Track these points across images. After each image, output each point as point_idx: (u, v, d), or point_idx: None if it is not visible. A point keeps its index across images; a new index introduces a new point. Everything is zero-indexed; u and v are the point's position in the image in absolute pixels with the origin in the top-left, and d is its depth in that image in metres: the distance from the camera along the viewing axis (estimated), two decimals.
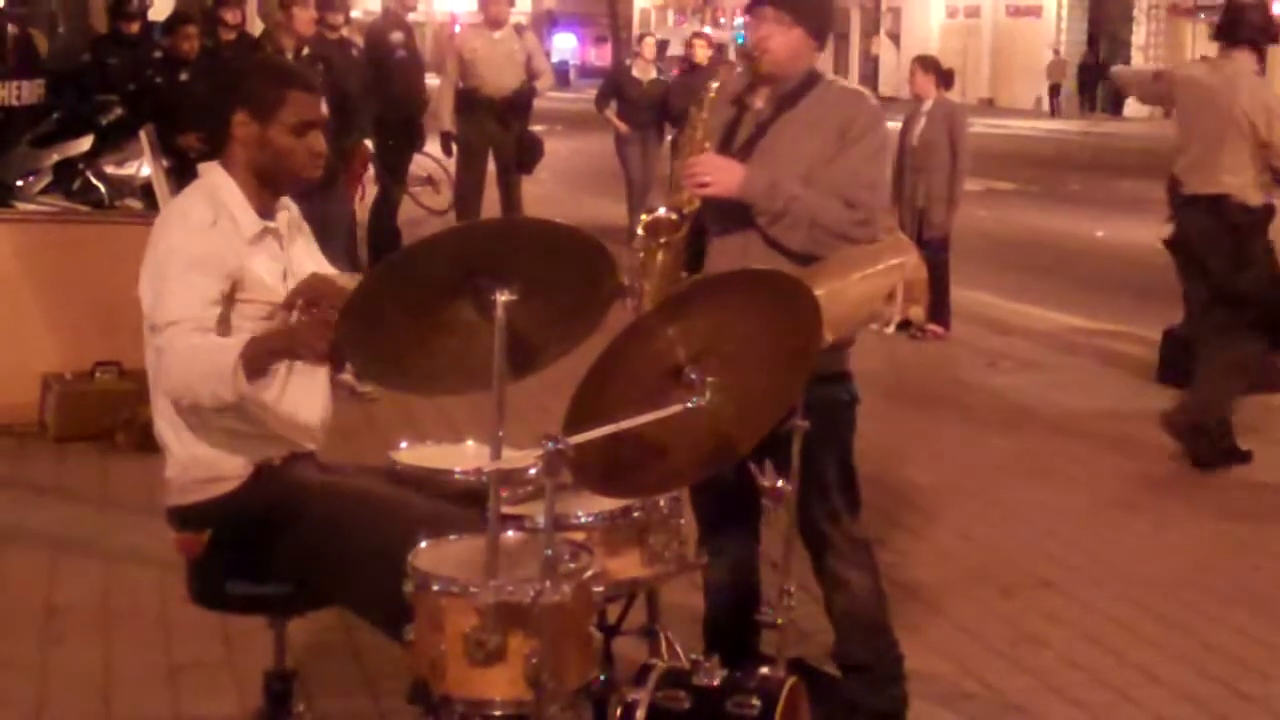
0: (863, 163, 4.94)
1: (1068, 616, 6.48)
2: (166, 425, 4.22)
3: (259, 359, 3.91)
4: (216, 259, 4.08)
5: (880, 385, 9.78)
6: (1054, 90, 53.28)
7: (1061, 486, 8.43)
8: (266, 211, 4.29)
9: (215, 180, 4.26)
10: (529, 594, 3.45)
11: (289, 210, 4.40)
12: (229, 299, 4.09)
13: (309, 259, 4.42)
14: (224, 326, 4.08)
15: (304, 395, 4.28)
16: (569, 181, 21.55)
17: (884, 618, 5.26)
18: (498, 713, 3.56)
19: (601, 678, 3.78)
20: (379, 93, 12.33)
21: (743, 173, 4.82)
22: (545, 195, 15.38)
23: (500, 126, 13.74)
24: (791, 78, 4.98)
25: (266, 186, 4.28)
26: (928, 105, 12.25)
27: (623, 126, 16.44)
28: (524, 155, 14.04)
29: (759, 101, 5.01)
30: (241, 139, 4.23)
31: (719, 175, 4.79)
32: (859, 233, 4.86)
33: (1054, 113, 51.15)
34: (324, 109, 4.32)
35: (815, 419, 4.38)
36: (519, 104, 13.89)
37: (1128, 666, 5.97)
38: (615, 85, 17.06)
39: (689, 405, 3.65)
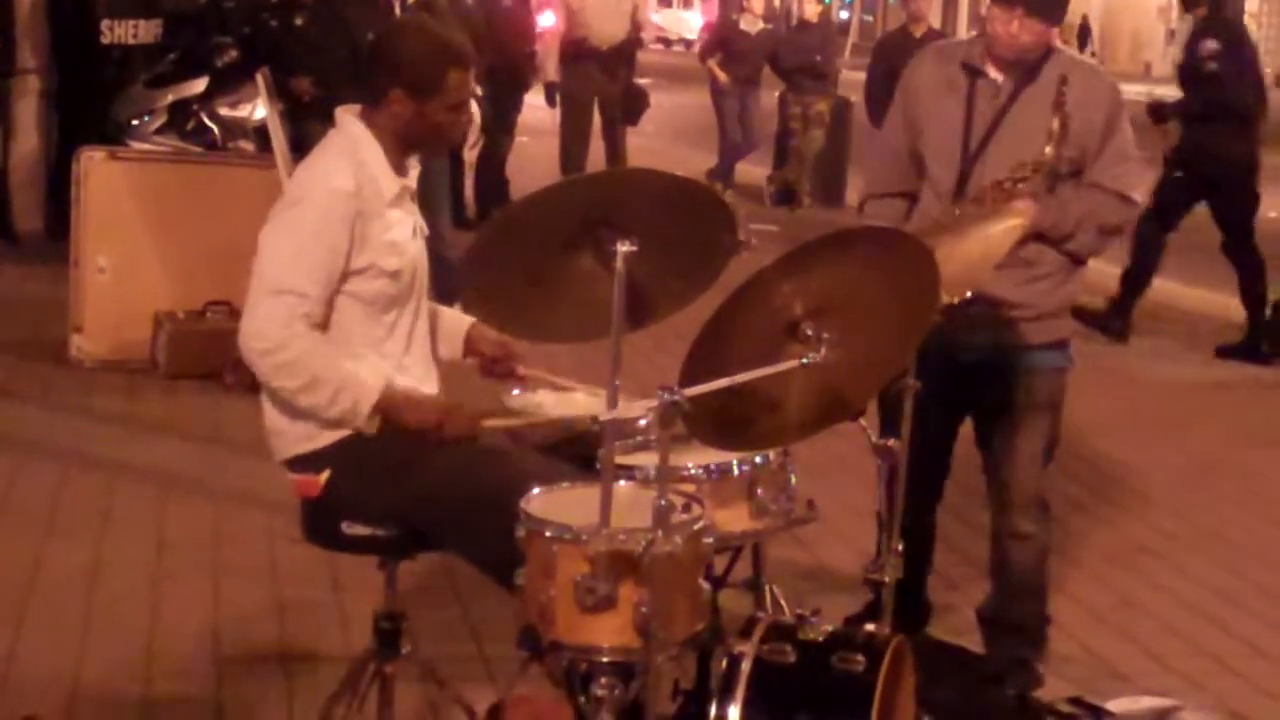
0: (1127, 150, 5.09)
1: (1169, 584, 6.45)
2: None
3: (391, 416, 4.08)
4: (348, 231, 4.09)
5: None
6: None
7: (1164, 454, 8.38)
8: (402, 167, 4.28)
9: (356, 135, 4.20)
10: (640, 543, 3.47)
11: (417, 165, 4.42)
12: (346, 273, 4.13)
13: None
14: (329, 307, 4.13)
15: (422, 370, 4.33)
16: (670, 135, 21.48)
17: (1045, 584, 5.42)
18: (605, 660, 3.59)
19: (707, 629, 3.80)
20: (489, 42, 12.35)
21: (1036, 213, 4.87)
22: (647, 148, 15.37)
23: (607, 77, 13.70)
24: (1031, 58, 5.04)
25: (410, 148, 4.29)
26: None
27: (723, 76, 16.41)
28: (630, 106, 14.00)
29: (993, 71, 5.05)
30: (396, 113, 4.19)
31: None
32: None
33: None
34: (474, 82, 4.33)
35: (1041, 380, 5.06)
36: (626, 55, 13.84)
37: (1229, 636, 5.95)
38: (722, 38, 17.04)
39: (804, 361, 3.66)
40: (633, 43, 13.98)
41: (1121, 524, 7.19)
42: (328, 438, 4.15)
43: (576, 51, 13.72)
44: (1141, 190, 5.14)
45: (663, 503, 3.48)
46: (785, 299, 3.64)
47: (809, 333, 3.67)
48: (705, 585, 3.74)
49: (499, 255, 3.70)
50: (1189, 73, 10.71)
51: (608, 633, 3.56)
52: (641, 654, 3.53)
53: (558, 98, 14.18)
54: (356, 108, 4.27)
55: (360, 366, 4.11)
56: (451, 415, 4.10)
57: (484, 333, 4.46)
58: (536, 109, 15.11)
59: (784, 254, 3.60)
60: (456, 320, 4.52)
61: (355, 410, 4.06)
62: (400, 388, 4.15)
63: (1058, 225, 4.98)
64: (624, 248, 3.58)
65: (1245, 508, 7.54)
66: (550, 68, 14.03)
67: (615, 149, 14.10)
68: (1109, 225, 5.12)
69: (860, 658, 3.83)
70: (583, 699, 3.65)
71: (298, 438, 4.20)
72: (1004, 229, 4.57)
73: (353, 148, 4.20)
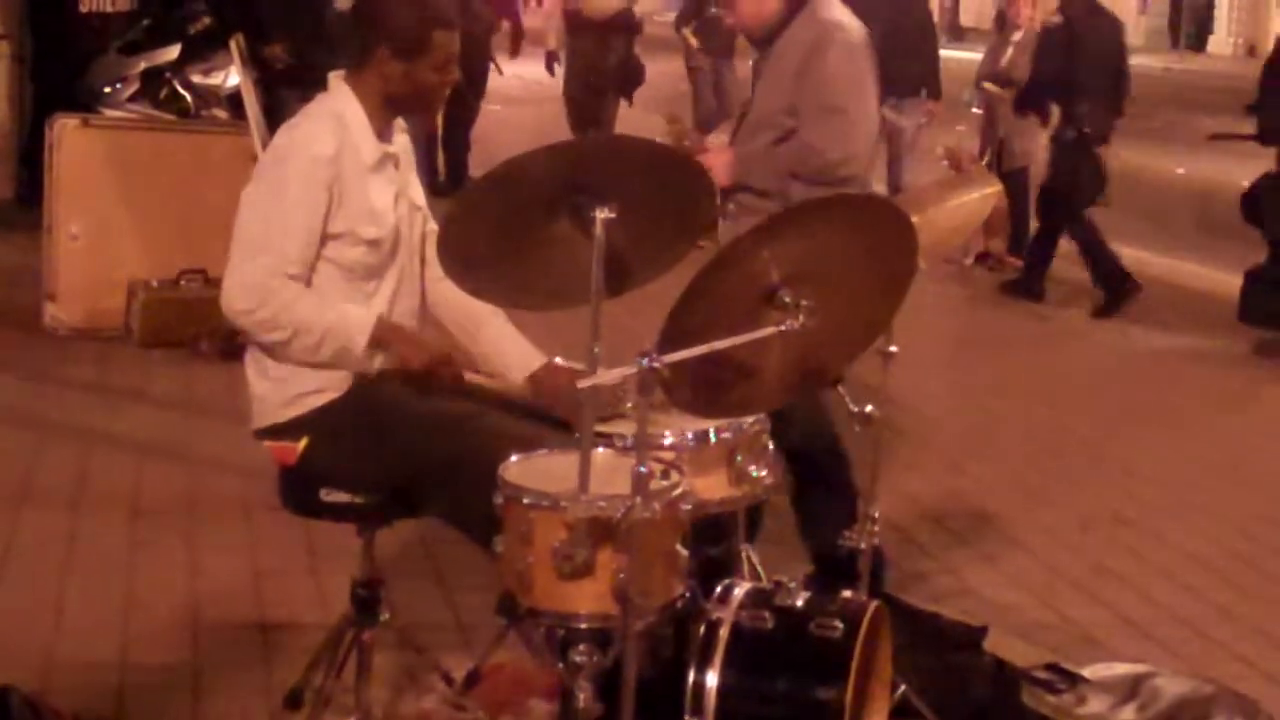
0: (825, 101, 5.23)
1: (1144, 551, 6.47)
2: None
3: (387, 346, 4.13)
4: (326, 194, 4.11)
5: (958, 318, 9.79)
6: None
7: (1138, 421, 8.41)
8: (386, 134, 4.29)
9: (341, 102, 4.23)
10: (619, 510, 3.46)
11: (405, 133, 4.41)
12: (325, 236, 4.14)
13: (414, 181, 4.45)
14: (310, 270, 4.16)
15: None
16: (644, 103, 21.46)
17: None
18: (583, 626, 3.59)
19: (685, 595, 3.81)
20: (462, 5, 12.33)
21: (729, 164, 5.29)
22: (621, 116, 15.32)
23: (601, 48, 13.71)
24: (766, 27, 5.32)
25: (395, 111, 4.31)
26: (1017, 35, 12.05)
27: (695, 42, 16.38)
28: (625, 79, 14.03)
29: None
30: (382, 73, 4.21)
31: (715, 172, 5.13)
32: (839, 172, 5.23)
33: None
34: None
35: None
36: (621, 26, 13.83)
37: (1203, 602, 5.97)
38: (696, 6, 16.98)
39: (782, 328, 3.65)
40: (630, 14, 13.96)
41: (1097, 492, 7.21)
42: (308, 404, 4.16)
43: (573, 22, 13.79)
44: (837, 142, 5.22)
45: (641, 469, 3.47)
46: (763, 266, 3.64)
47: (787, 300, 3.66)
48: (683, 552, 3.74)
49: (476, 221, 3.69)
50: None
51: (586, 600, 3.56)
52: (619, 620, 3.53)
53: (555, 67, 14.23)
54: (344, 71, 4.27)
55: (349, 307, 4.14)
56: (443, 363, 4.14)
57: (550, 378, 4.39)
58: (509, 78, 15.06)
59: (762, 221, 3.60)
60: (527, 350, 4.46)
61: (350, 348, 4.09)
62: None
63: (746, 171, 5.27)
64: (603, 214, 3.58)
65: (1221, 475, 7.56)
66: (551, 37, 14.04)
67: (601, 119, 14.09)
68: (805, 174, 5.24)
69: (838, 624, 3.84)
70: (561, 666, 3.65)
71: (279, 405, 4.21)
72: (980, 196, 4.58)
73: (337, 111, 4.21)
